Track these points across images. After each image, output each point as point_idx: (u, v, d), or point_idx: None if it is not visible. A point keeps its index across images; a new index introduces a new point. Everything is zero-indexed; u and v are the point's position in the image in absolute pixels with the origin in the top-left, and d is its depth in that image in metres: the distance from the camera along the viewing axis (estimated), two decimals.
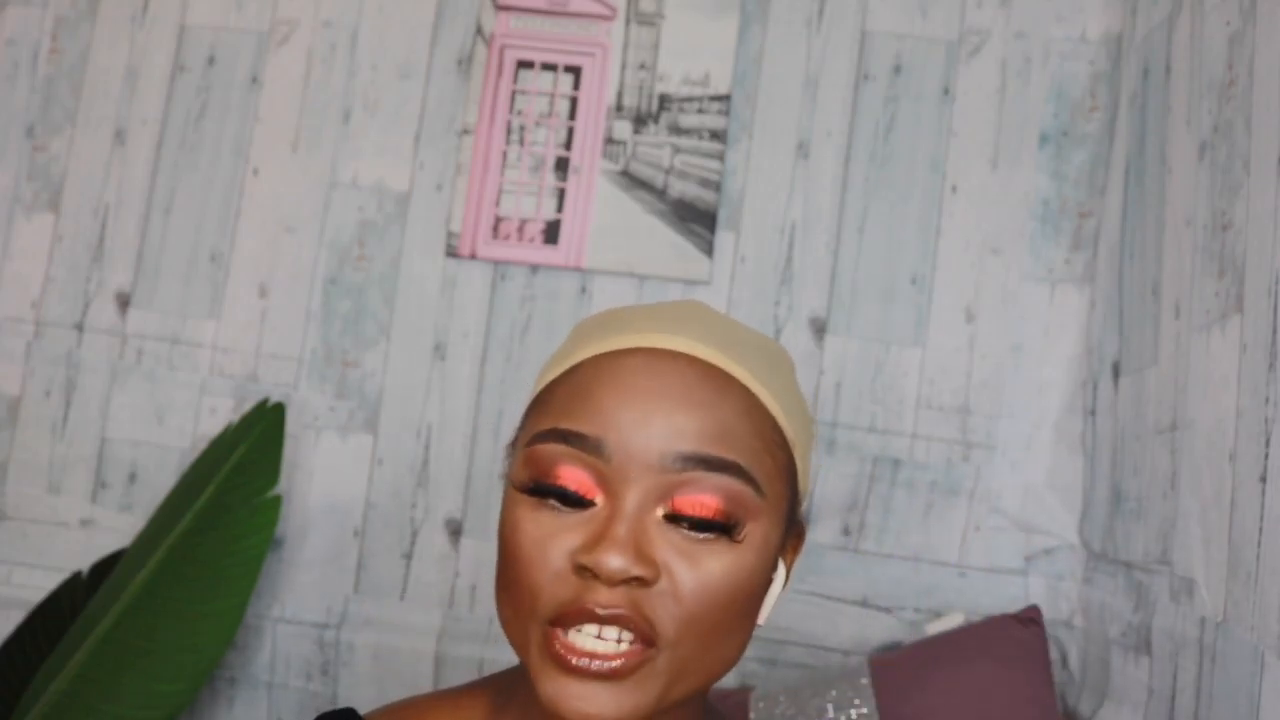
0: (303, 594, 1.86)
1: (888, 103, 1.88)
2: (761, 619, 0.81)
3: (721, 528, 0.75)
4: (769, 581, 0.81)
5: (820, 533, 1.82)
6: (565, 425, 0.77)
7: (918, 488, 1.82)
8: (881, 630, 1.80)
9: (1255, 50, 1.28)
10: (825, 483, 1.82)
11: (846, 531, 1.82)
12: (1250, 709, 1.15)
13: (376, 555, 1.86)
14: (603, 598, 0.73)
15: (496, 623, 1.81)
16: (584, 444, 0.76)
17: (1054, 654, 1.74)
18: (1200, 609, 1.30)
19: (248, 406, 1.83)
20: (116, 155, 1.96)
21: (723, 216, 1.88)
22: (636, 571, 0.73)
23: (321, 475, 1.88)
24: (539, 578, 0.75)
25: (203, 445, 1.86)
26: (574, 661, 0.73)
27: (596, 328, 0.84)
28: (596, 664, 0.73)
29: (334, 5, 1.96)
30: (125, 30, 1.97)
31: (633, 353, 0.79)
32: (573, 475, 0.76)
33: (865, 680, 1.59)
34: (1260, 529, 1.14)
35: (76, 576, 1.77)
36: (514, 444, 0.83)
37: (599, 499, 0.76)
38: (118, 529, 1.89)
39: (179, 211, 1.94)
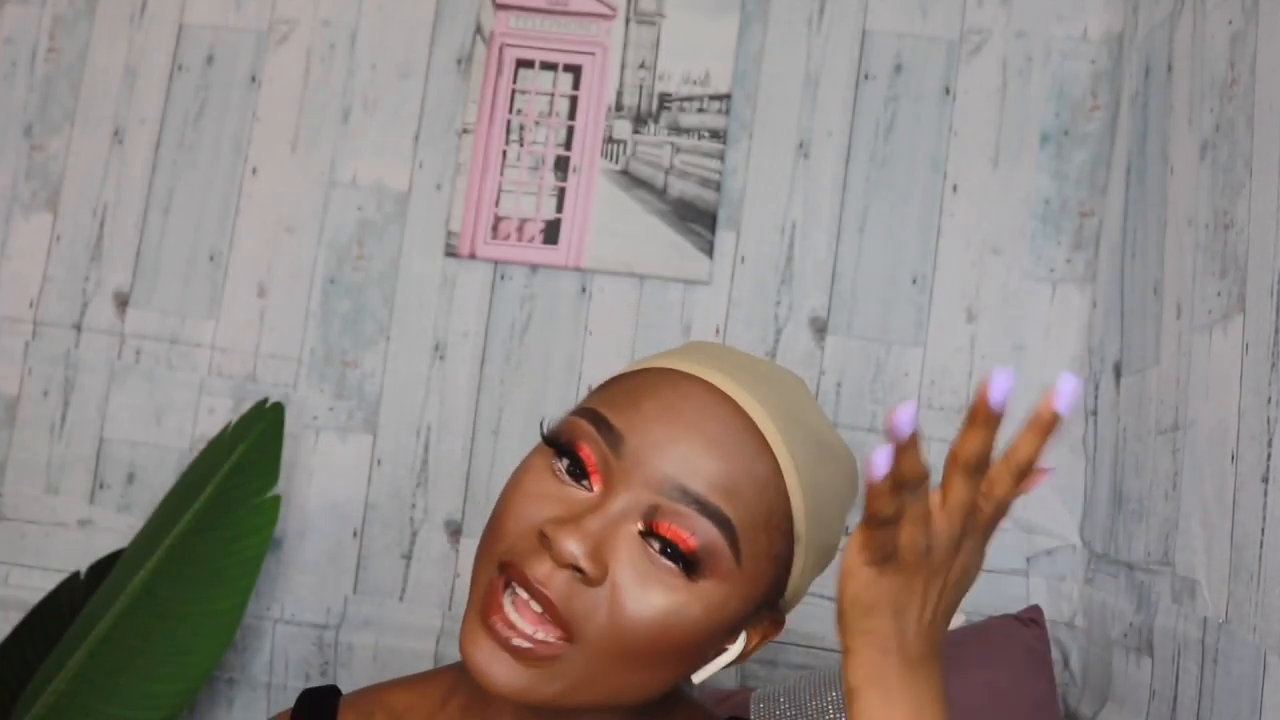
0: (302, 595, 1.86)
1: (888, 102, 1.88)
2: (697, 678, 0.82)
3: (686, 563, 0.77)
4: (715, 641, 0.81)
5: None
6: (603, 409, 0.81)
7: None
8: None
9: (1257, 49, 1.27)
10: None
11: (847, 531, 1.81)
12: (1252, 709, 1.15)
13: (376, 556, 1.86)
14: (541, 572, 0.76)
15: None
16: (608, 433, 0.79)
17: (1055, 655, 1.74)
18: (1202, 610, 1.30)
19: (246, 406, 1.82)
20: (115, 154, 1.95)
21: (723, 216, 1.87)
22: (583, 564, 0.75)
23: (321, 475, 1.87)
24: (512, 526, 0.79)
25: (201, 445, 1.86)
26: (496, 625, 0.76)
27: (684, 347, 0.88)
28: (513, 638, 0.76)
29: (333, 4, 1.95)
30: (124, 29, 1.97)
31: (695, 380, 0.82)
32: (587, 451, 0.79)
33: None
34: (1263, 529, 1.14)
35: (74, 577, 1.77)
36: None
37: (597, 487, 0.79)
38: (116, 529, 1.88)
39: (178, 211, 1.94)
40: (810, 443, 0.83)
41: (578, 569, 0.75)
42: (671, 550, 0.77)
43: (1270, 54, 1.24)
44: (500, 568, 0.78)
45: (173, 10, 1.97)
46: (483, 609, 0.77)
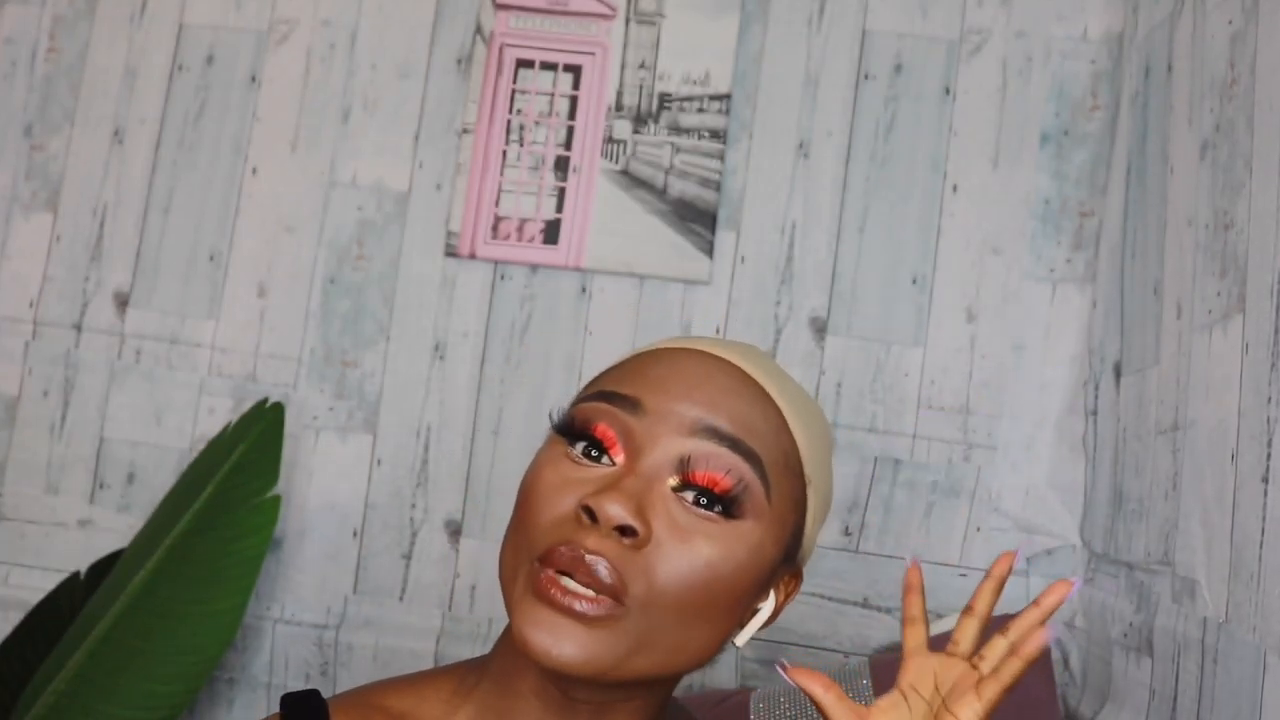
0: (302, 595, 1.86)
1: (888, 102, 1.88)
2: (740, 640, 0.84)
3: (724, 506, 0.79)
4: (755, 591, 0.83)
5: (822, 533, 1.81)
6: (609, 387, 0.83)
7: (918, 488, 1.81)
8: (882, 631, 1.80)
9: (1257, 49, 1.27)
10: None
11: (847, 532, 1.82)
12: (1252, 709, 1.15)
13: (376, 556, 1.86)
14: (591, 542, 0.76)
15: (496, 625, 1.81)
16: (623, 402, 0.81)
17: (1055, 655, 1.74)
18: (1202, 610, 1.30)
19: (247, 406, 1.82)
20: (115, 155, 1.95)
21: (723, 216, 1.87)
22: (630, 521, 0.76)
23: (321, 475, 1.87)
24: (544, 518, 0.79)
25: (201, 445, 1.86)
26: (555, 596, 0.76)
27: (659, 340, 0.90)
28: (577, 603, 0.76)
29: (333, 4, 1.95)
30: (124, 29, 1.97)
31: (690, 351, 0.85)
32: (604, 430, 0.80)
33: (866, 681, 1.59)
34: (1263, 529, 1.14)
35: (74, 577, 1.77)
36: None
37: (620, 459, 0.80)
38: (116, 529, 1.88)
39: (178, 211, 1.94)
40: (797, 395, 0.87)
41: (626, 531, 0.76)
42: (707, 498, 0.79)
43: (1270, 54, 1.24)
44: (542, 560, 0.77)
45: (173, 10, 1.97)
46: (536, 590, 0.77)
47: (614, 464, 0.80)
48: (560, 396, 1.85)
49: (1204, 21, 1.45)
